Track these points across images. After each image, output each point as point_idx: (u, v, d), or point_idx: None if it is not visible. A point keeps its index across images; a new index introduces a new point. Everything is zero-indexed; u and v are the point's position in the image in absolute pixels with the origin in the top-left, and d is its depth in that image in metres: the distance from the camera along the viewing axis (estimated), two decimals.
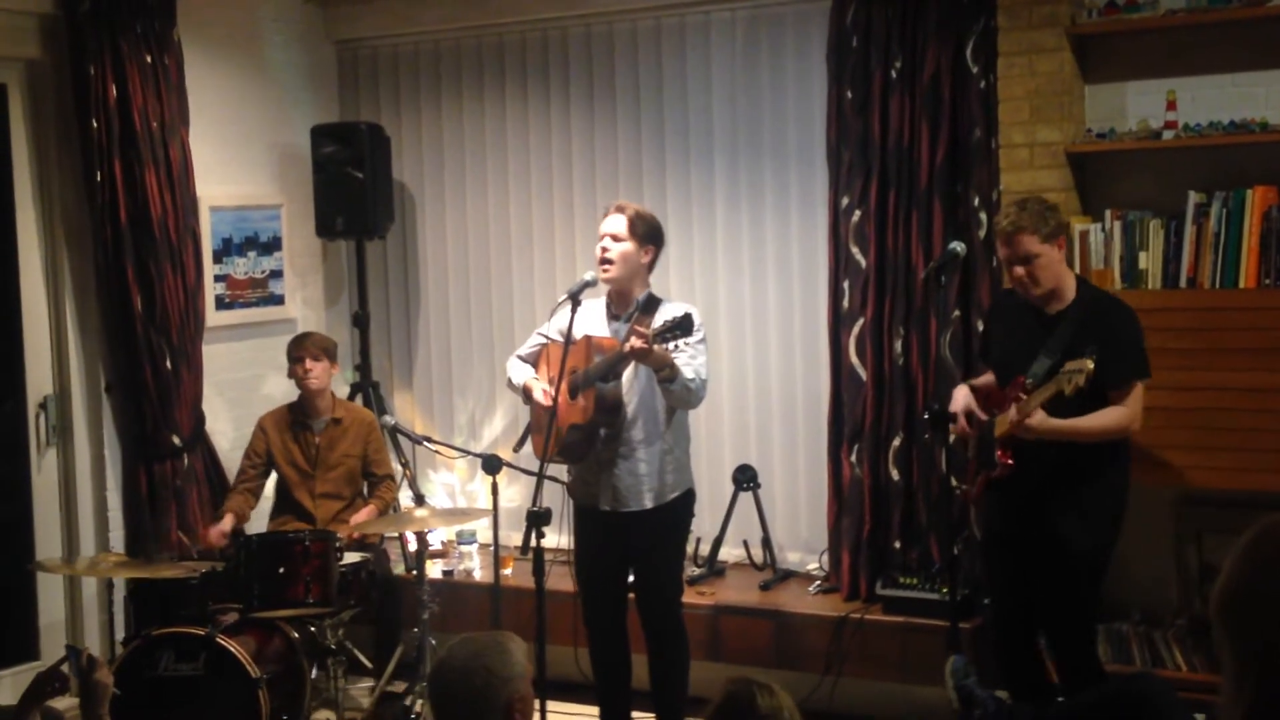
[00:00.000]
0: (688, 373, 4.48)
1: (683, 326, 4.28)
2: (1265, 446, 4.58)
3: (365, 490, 5.77)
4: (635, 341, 4.31)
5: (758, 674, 2.71)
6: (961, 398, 4.50)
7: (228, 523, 5.51)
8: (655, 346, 4.32)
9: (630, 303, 4.71)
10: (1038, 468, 4.26)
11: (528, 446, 4.95)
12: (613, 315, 4.75)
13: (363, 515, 5.53)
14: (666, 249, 5.89)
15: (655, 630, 4.81)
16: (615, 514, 4.69)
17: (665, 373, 4.44)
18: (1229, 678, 1.64)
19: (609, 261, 4.65)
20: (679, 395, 4.53)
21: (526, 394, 4.80)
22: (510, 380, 4.92)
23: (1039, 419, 4.12)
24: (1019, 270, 4.26)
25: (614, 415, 4.61)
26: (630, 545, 4.73)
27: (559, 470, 4.94)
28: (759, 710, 2.48)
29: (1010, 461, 4.30)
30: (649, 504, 4.66)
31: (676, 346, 4.34)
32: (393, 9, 6.42)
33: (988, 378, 4.63)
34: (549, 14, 6.11)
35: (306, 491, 5.63)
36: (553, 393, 4.66)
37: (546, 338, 4.89)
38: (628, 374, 4.59)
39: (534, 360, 4.90)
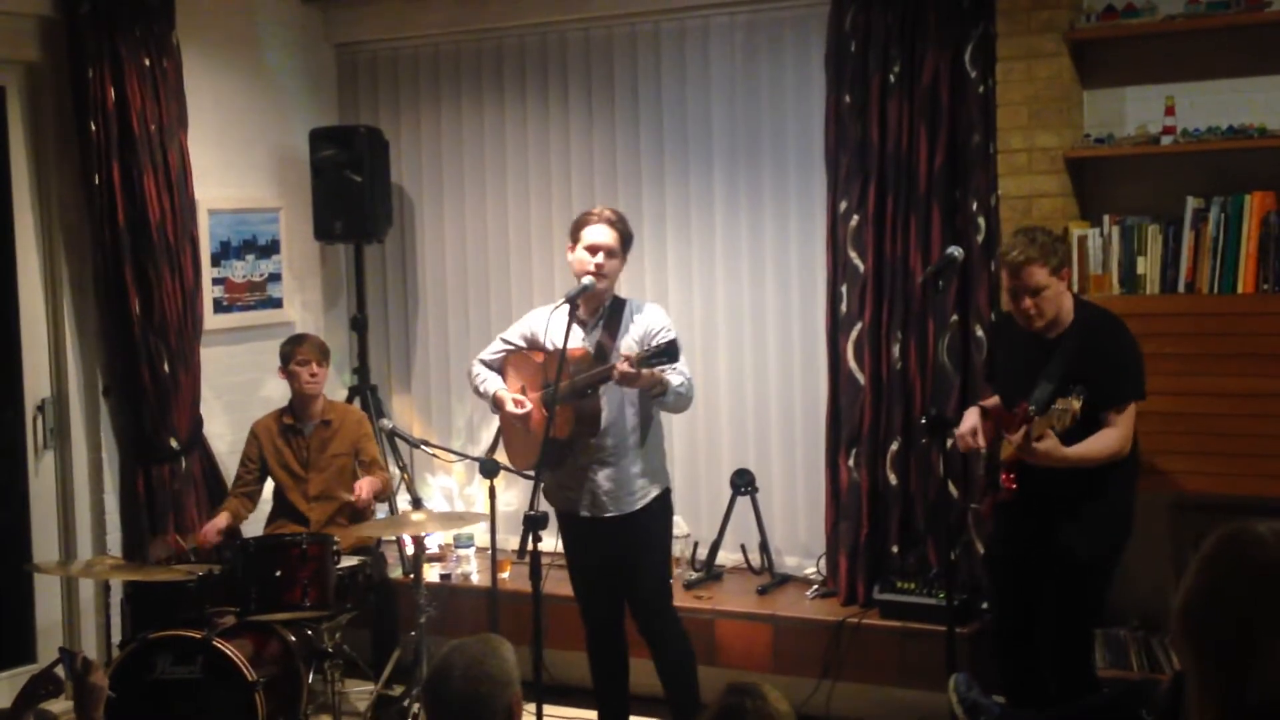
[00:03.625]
0: (675, 379, 4.51)
1: (669, 354, 4.33)
2: (1263, 452, 4.58)
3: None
4: (623, 369, 4.35)
5: (755, 679, 2.70)
6: (970, 420, 4.51)
7: (223, 519, 5.50)
8: (644, 370, 4.35)
9: (597, 308, 4.72)
10: (1044, 488, 4.26)
11: (501, 454, 4.97)
12: (579, 320, 4.73)
13: (366, 484, 5.45)
14: (665, 254, 5.96)
15: (650, 633, 4.81)
16: (595, 519, 4.71)
17: (656, 390, 4.47)
18: (1194, 687, 1.64)
19: (603, 277, 4.66)
20: (673, 404, 4.59)
21: (497, 404, 4.81)
22: (476, 387, 4.92)
23: (1050, 445, 4.11)
24: (1027, 302, 4.26)
25: (593, 427, 4.64)
26: (615, 550, 4.74)
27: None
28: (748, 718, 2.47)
29: (1014, 486, 4.31)
30: (625, 509, 4.68)
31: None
32: (392, 12, 6.42)
33: (997, 400, 4.64)
34: (548, 18, 6.10)
35: (300, 494, 5.62)
36: (524, 401, 4.69)
37: (509, 344, 4.89)
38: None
39: (499, 367, 4.89)
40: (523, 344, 4.84)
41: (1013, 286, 4.28)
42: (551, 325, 4.69)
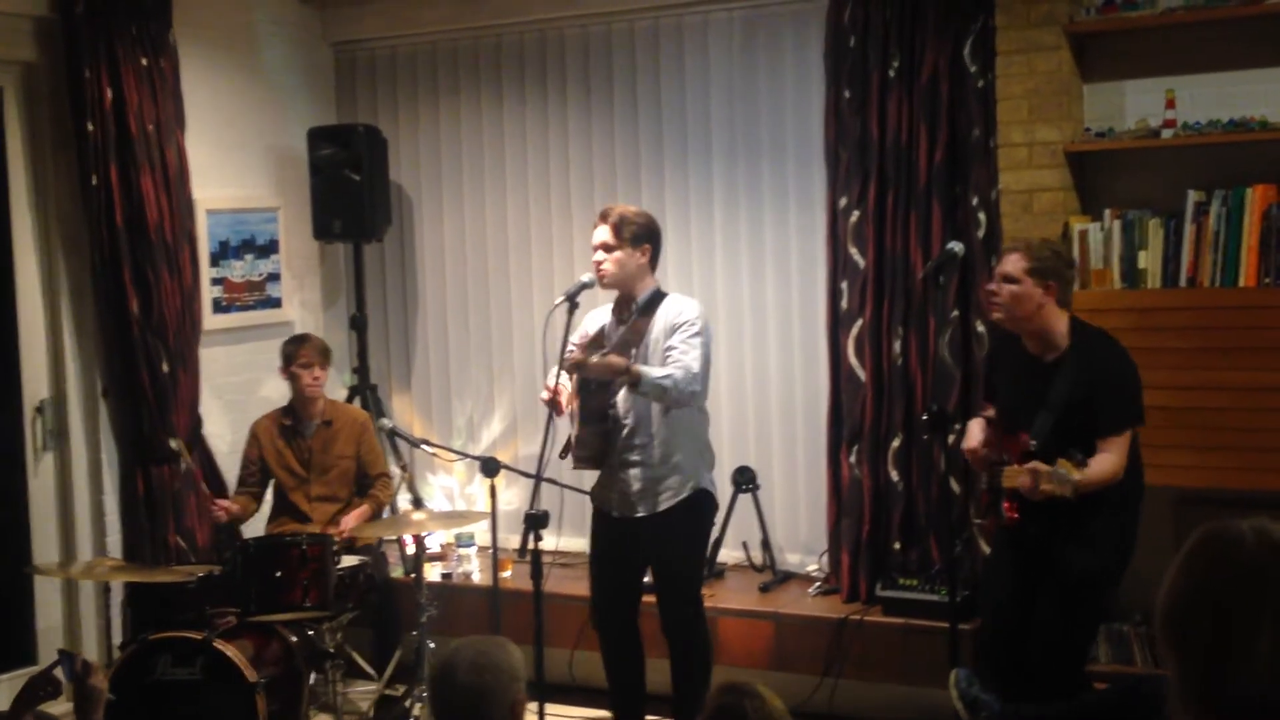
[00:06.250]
0: (657, 371, 4.47)
1: (595, 344, 4.38)
2: (1265, 446, 4.56)
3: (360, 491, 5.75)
4: (572, 358, 4.40)
5: (756, 677, 2.70)
6: (975, 433, 4.47)
7: (235, 505, 5.55)
8: (591, 359, 4.35)
9: (631, 303, 4.70)
10: (1046, 514, 4.21)
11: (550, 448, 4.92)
12: (619, 319, 4.75)
13: (353, 517, 5.51)
14: (665, 251, 5.90)
15: (673, 635, 4.78)
16: (625, 519, 4.69)
17: (622, 380, 4.45)
18: (1175, 685, 1.65)
19: (603, 274, 4.67)
20: (654, 397, 4.53)
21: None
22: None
23: (1051, 489, 4.07)
24: (993, 284, 4.30)
25: (601, 424, 4.62)
26: (643, 550, 4.72)
27: (556, 473, 4.94)
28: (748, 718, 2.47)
29: (1016, 515, 4.27)
30: (650, 510, 4.65)
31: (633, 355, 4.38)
32: (390, 11, 6.41)
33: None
34: (546, 15, 6.09)
35: (302, 495, 5.62)
36: (550, 390, 4.67)
37: (575, 347, 4.88)
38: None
39: None
40: (581, 341, 4.82)
41: (995, 273, 4.33)
42: (592, 322, 4.77)
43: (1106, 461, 4.14)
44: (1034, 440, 4.17)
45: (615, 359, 4.42)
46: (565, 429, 4.78)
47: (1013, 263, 4.24)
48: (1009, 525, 4.32)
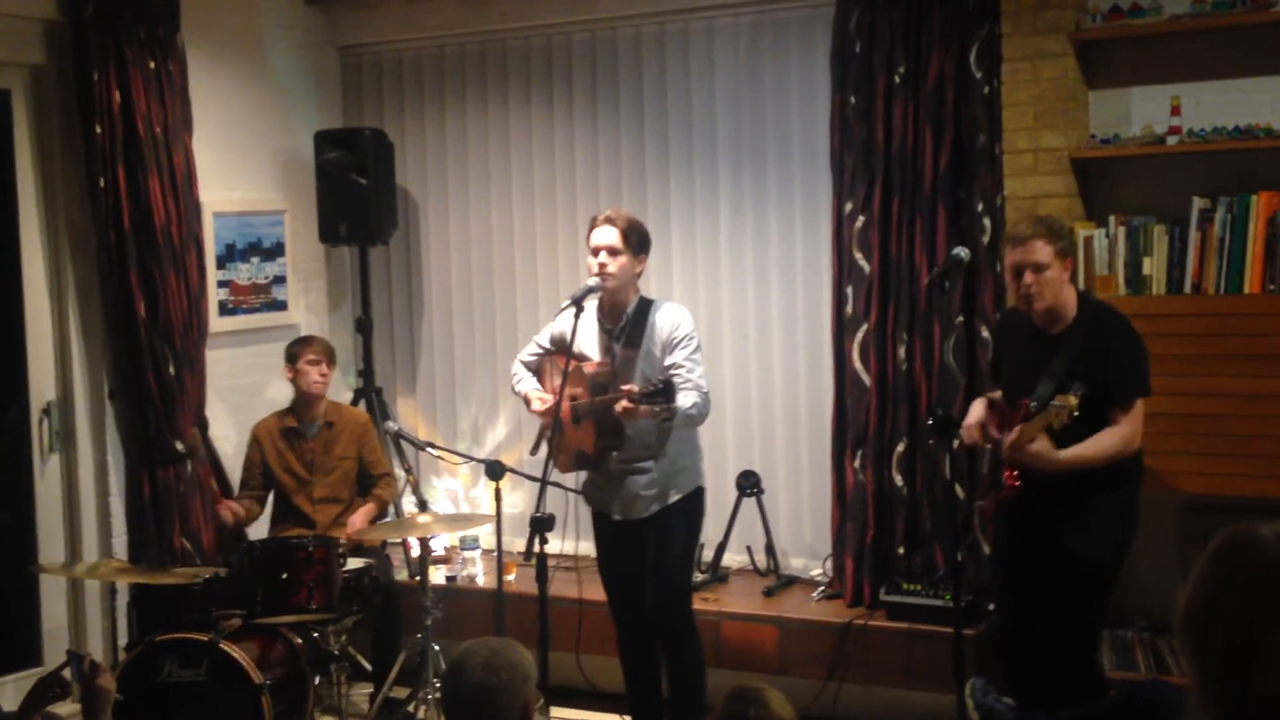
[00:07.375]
0: (686, 401, 4.47)
1: (665, 394, 4.29)
2: (1270, 452, 4.57)
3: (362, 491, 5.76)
4: (624, 407, 4.34)
5: (761, 681, 2.70)
6: (976, 411, 4.49)
7: (240, 508, 5.57)
8: (642, 407, 4.32)
9: (620, 314, 4.70)
10: (1047, 485, 4.24)
11: (543, 450, 4.94)
12: (604, 329, 4.73)
13: (359, 517, 5.52)
14: (670, 256, 5.94)
15: (664, 632, 4.80)
16: (625, 522, 4.72)
17: (662, 416, 4.44)
18: (1195, 689, 1.66)
19: (608, 276, 4.64)
20: (684, 425, 4.57)
21: (526, 403, 4.84)
22: (513, 387, 4.97)
23: (1041, 447, 4.10)
24: (1028, 278, 4.24)
25: (617, 439, 4.64)
26: (645, 550, 4.74)
27: (562, 477, 4.94)
28: None
29: (1017, 484, 4.30)
30: (653, 510, 4.68)
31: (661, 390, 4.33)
32: (396, 15, 6.42)
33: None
34: (552, 19, 6.10)
35: (305, 497, 5.63)
36: (548, 399, 4.69)
37: (543, 347, 4.90)
38: None
39: (536, 368, 4.91)
40: (551, 347, 4.83)
41: (1015, 263, 4.27)
42: (561, 324, 4.69)
43: (1115, 434, 4.18)
44: (1034, 403, 4.19)
45: (668, 406, 4.38)
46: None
47: (1039, 251, 4.22)
48: (1009, 495, 4.34)
